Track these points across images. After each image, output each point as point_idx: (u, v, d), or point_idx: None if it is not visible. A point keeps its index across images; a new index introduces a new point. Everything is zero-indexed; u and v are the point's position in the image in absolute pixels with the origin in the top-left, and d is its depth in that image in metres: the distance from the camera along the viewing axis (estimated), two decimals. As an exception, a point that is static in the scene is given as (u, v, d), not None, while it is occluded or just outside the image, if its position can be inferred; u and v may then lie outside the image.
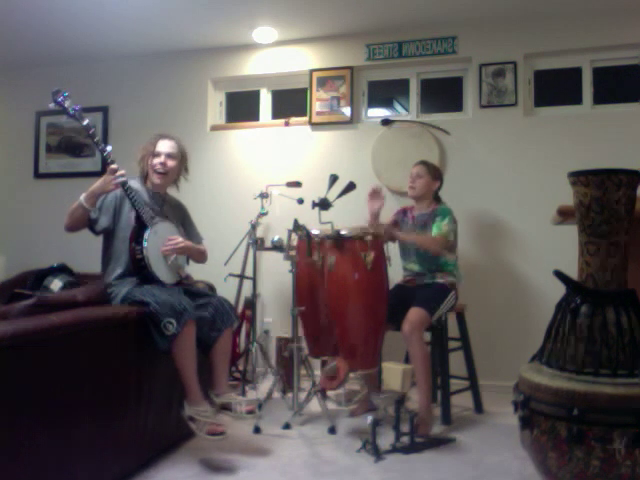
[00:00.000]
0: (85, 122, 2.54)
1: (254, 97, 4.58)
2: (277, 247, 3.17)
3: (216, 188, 4.41)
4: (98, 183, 2.53)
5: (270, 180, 4.04)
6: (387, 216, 3.43)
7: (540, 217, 3.56)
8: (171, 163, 2.79)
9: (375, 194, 3.25)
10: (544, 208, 3.26)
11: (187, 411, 2.45)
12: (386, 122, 4.07)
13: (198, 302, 2.62)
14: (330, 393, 3.35)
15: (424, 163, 3.36)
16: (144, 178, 2.83)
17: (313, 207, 3.12)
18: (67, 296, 2.33)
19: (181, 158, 2.85)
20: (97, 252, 2.73)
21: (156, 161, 2.75)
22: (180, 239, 2.70)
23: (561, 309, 1.89)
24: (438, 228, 3.13)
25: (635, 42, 3.70)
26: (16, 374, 1.77)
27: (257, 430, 2.89)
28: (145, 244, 2.54)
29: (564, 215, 2.18)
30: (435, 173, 3.34)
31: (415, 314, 2.91)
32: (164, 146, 2.78)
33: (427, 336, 3.08)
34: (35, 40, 4.32)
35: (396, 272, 3.50)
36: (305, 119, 4.32)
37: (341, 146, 4.21)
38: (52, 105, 2.52)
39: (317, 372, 3.56)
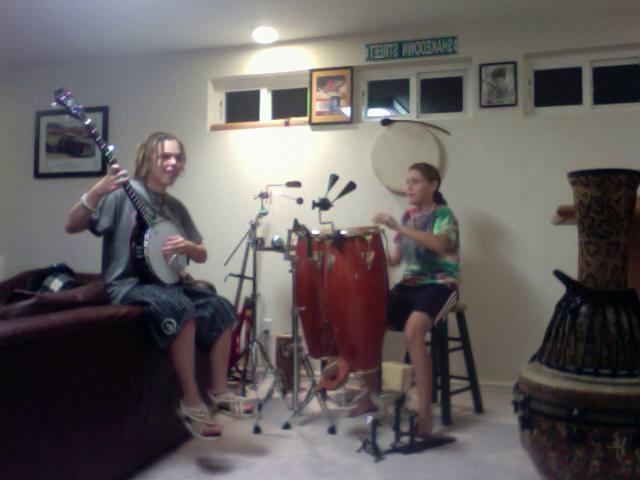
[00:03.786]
0: (87, 121, 2.53)
1: (254, 97, 4.58)
2: (277, 247, 3.17)
3: (216, 188, 4.41)
4: (100, 183, 2.53)
5: (270, 180, 4.04)
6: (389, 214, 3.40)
7: (540, 217, 3.56)
8: (179, 163, 2.84)
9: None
10: (544, 208, 3.27)
11: (183, 411, 2.45)
12: (386, 122, 4.07)
13: (198, 302, 2.62)
14: (330, 393, 3.35)
15: (417, 167, 3.30)
16: (144, 178, 2.83)
17: (313, 207, 3.12)
18: (67, 296, 2.33)
19: (184, 156, 2.90)
20: (97, 252, 2.73)
21: (167, 162, 2.78)
22: (180, 239, 2.71)
23: (561, 309, 1.89)
24: (438, 228, 3.12)
25: (635, 42, 3.70)
26: (16, 374, 1.77)
27: (257, 430, 2.89)
28: (146, 244, 2.53)
29: (564, 215, 2.18)
30: (430, 174, 3.28)
31: (417, 318, 2.89)
32: (172, 147, 2.81)
33: (427, 336, 3.07)
34: (35, 40, 4.32)
35: (396, 272, 3.51)
36: (305, 119, 4.32)
37: (341, 146, 4.21)
38: (54, 104, 2.51)
39: (317, 372, 3.56)
